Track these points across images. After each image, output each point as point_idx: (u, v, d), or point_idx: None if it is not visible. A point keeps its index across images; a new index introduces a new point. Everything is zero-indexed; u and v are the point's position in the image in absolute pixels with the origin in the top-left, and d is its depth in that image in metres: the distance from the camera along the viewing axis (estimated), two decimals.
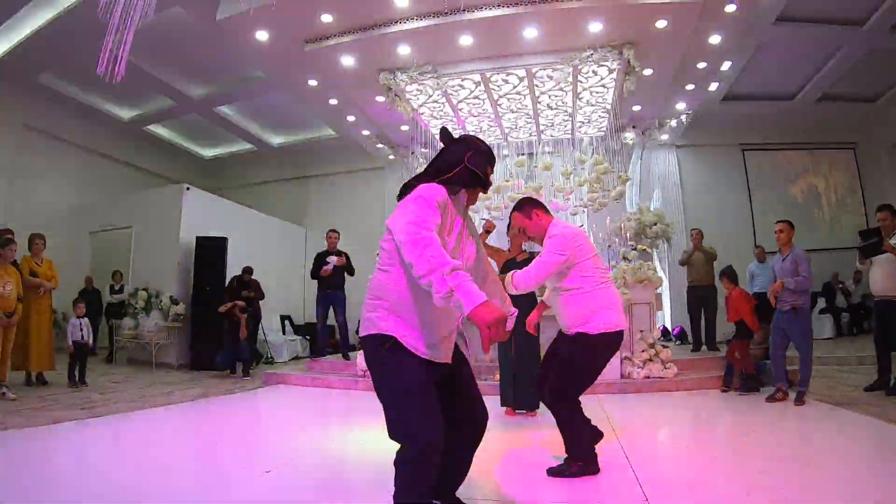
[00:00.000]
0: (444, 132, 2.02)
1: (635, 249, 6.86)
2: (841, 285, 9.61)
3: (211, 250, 8.59)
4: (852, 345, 8.03)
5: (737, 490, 2.45)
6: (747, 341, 5.32)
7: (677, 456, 3.49)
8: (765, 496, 2.33)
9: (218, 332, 7.73)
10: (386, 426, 1.72)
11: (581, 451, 2.70)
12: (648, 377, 5.88)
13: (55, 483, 2.77)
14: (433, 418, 1.67)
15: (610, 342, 2.76)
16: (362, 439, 3.86)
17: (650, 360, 6.02)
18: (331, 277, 7.13)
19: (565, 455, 2.76)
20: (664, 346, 6.23)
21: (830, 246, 9.77)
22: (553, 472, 2.71)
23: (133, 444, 3.74)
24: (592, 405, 4.72)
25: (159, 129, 10.78)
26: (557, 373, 2.78)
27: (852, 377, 5.86)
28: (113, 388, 6.09)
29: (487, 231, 3.83)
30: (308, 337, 10.16)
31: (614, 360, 5.81)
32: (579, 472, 2.66)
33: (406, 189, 1.86)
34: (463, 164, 1.88)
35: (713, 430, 4.32)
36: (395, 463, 1.69)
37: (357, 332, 8.69)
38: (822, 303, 9.52)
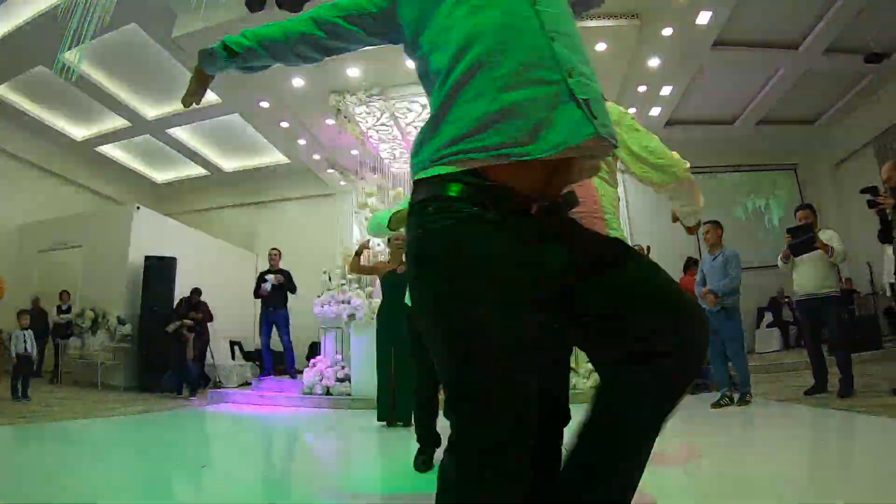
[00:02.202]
0: None
1: None
2: (787, 299, 9.91)
3: (160, 271, 8.47)
4: (800, 355, 8.21)
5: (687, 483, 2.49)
6: None
7: None
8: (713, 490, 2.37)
9: (165, 354, 7.57)
10: None
11: None
12: (594, 387, 5.94)
13: None
14: None
15: None
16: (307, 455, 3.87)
17: (595, 371, 6.10)
18: (271, 296, 7.13)
19: None
20: None
21: (773, 263, 10.08)
22: None
23: (68, 447, 3.81)
24: None
25: (112, 150, 10.66)
26: None
27: (800, 380, 6.04)
28: (57, 404, 5.95)
29: (358, 254, 4.04)
30: (258, 363, 9.93)
31: None
32: None
33: None
34: None
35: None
36: None
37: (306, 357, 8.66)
38: (769, 317, 9.81)
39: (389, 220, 2.52)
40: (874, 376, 5.36)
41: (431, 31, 1.04)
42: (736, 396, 4.61)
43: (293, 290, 7.29)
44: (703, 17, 6.86)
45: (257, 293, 7.19)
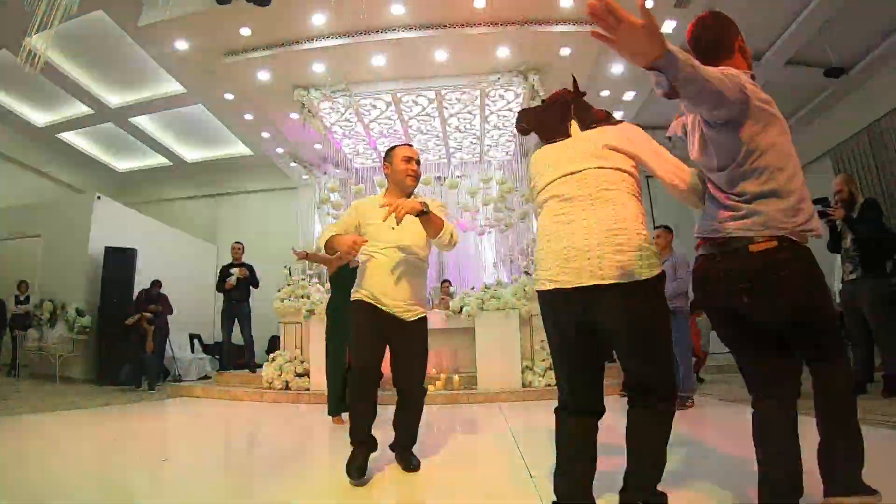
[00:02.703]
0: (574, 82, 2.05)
1: None
2: None
3: (120, 262, 8.40)
4: None
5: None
6: None
7: None
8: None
9: (125, 347, 7.51)
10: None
11: None
12: (549, 385, 6.11)
13: None
14: None
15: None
16: (269, 447, 3.92)
17: (550, 368, 6.28)
18: (234, 290, 7.13)
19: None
20: None
21: None
22: None
23: (23, 442, 3.77)
24: (493, 412, 4.94)
25: (74, 138, 10.43)
26: None
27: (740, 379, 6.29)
28: (13, 396, 5.89)
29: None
30: (217, 356, 9.88)
31: (515, 369, 6.04)
32: None
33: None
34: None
35: (610, 431, 4.51)
36: (663, 412, 1.73)
37: (265, 350, 8.69)
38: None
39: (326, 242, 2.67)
40: None
41: None
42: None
43: (256, 284, 7.30)
44: (668, 26, 7.02)
45: (221, 287, 7.17)
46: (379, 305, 2.64)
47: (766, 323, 1.67)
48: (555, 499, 1.76)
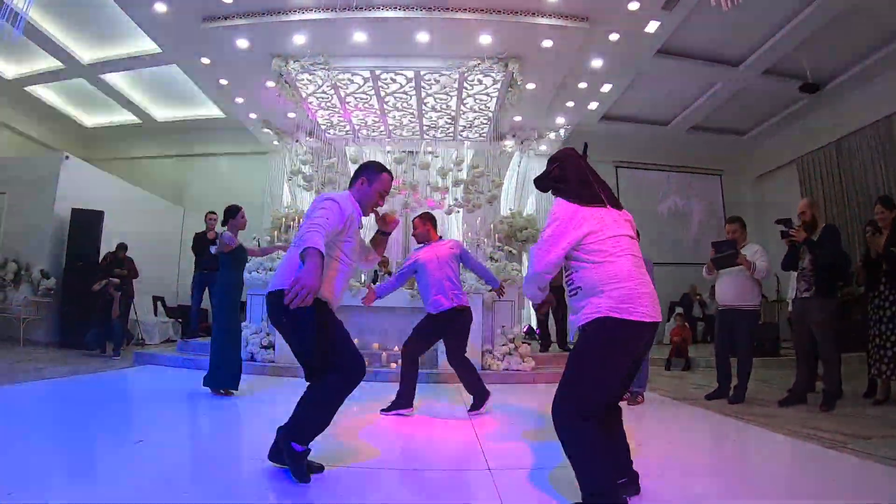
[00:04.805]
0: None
1: (502, 250, 7.32)
2: (699, 297, 10.70)
3: (86, 224, 8.26)
4: (705, 349, 8.84)
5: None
6: None
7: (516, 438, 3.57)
8: None
9: (89, 310, 7.45)
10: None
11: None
12: (507, 370, 6.34)
13: None
14: None
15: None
16: (233, 415, 4.00)
17: (509, 353, 6.50)
18: (210, 259, 7.06)
19: None
20: (525, 343, 6.75)
21: (693, 261, 10.70)
22: None
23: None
24: (452, 393, 5.12)
25: (42, 91, 10.09)
26: None
27: (699, 378, 6.61)
28: None
29: None
30: (181, 320, 9.85)
31: (476, 352, 6.22)
32: None
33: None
34: None
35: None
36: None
37: None
38: (678, 311, 10.51)
39: None
40: (770, 382, 5.95)
41: None
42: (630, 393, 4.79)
43: None
44: (652, 26, 7.13)
45: (207, 260, 6.93)
46: None
47: None
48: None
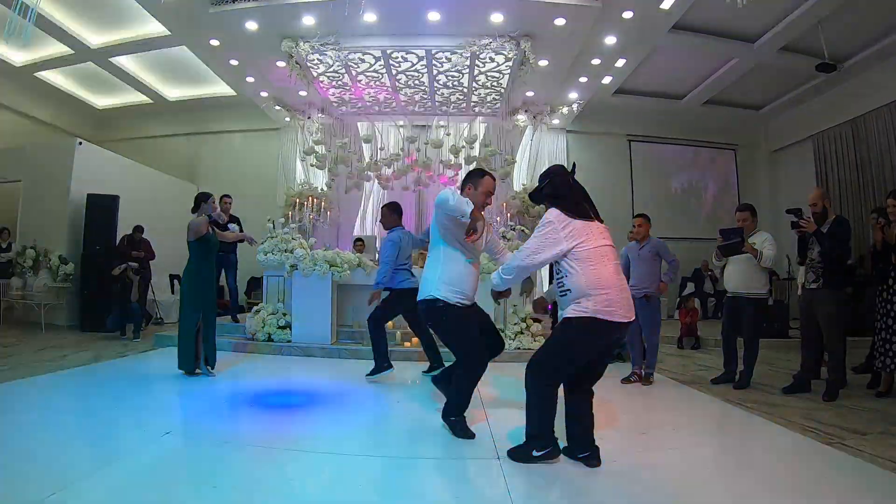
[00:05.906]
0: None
1: (514, 230, 7.31)
2: (710, 272, 10.63)
3: (102, 208, 8.34)
4: (716, 328, 8.81)
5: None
6: None
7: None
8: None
9: (108, 293, 7.59)
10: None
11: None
12: (519, 349, 6.40)
13: None
14: None
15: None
16: (256, 397, 4.11)
17: (521, 332, 6.55)
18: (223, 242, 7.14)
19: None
20: (536, 321, 6.78)
21: (705, 236, 10.64)
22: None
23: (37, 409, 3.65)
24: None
25: (52, 76, 10.11)
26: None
27: (707, 359, 6.63)
28: (6, 354, 5.87)
29: None
30: None
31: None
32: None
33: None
34: None
35: None
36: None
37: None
38: (690, 287, 10.51)
39: None
40: (776, 364, 5.95)
41: None
42: (642, 374, 5.00)
43: (252, 241, 7.33)
44: (667, 3, 6.96)
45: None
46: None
47: None
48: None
